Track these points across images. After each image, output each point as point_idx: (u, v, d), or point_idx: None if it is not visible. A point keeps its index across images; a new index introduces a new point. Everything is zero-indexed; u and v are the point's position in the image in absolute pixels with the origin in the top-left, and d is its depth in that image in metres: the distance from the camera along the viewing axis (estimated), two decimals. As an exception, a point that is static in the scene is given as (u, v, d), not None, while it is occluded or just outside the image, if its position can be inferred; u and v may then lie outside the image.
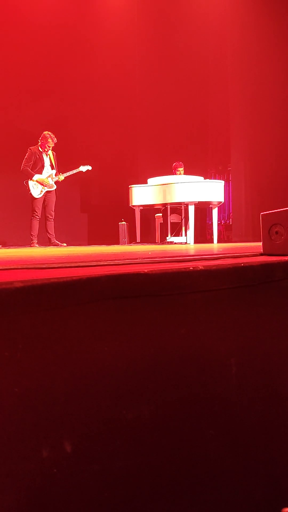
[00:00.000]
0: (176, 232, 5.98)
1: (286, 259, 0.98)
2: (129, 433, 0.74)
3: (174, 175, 6.24)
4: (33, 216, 6.24)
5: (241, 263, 0.90)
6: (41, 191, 6.22)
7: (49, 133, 6.20)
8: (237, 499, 0.84)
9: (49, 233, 6.30)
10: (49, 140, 6.16)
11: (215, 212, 5.81)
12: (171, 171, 6.77)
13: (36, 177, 6.19)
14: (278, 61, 6.86)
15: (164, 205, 5.87)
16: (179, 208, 6.09)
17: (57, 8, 7.46)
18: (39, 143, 6.23)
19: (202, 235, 7.77)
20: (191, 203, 5.41)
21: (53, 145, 6.21)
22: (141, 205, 5.94)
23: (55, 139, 6.18)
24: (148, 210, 6.44)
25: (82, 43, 7.48)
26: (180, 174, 6.72)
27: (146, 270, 0.76)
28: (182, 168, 6.84)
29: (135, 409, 0.74)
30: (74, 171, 6.33)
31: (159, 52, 8.01)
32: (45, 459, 0.65)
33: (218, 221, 6.08)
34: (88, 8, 7.45)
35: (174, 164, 6.93)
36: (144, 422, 0.75)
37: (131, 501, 0.73)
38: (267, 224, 1.13)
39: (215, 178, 8.39)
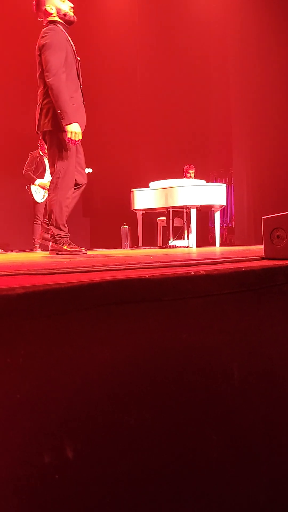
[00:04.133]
0: (178, 235, 5.98)
1: (288, 263, 0.98)
2: (131, 438, 0.74)
3: (177, 179, 6.25)
4: (35, 221, 6.27)
5: (243, 267, 0.90)
6: (44, 195, 6.24)
7: None
8: (240, 504, 0.84)
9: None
10: None
11: (217, 216, 5.81)
12: (174, 175, 6.77)
13: (38, 181, 6.21)
14: (280, 65, 6.88)
15: (166, 208, 5.88)
16: (181, 212, 6.10)
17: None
18: (39, 147, 6.25)
19: (204, 238, 7.77)
20: (193, 206, 5.41)
21: None
22: (143, 209, 5.95)
23: None
24: (150, 214, 6.45)
25: (83, 47, 7.51)
26: (191, 176, 6.72)
27: (147, 275, 0.77)
28: (193, 171, 6.84)
29: (137, 414, 0.74)
30: None
31: (160, 56, 8.04)
32: (47, 464, 0.65)
33: (220, 224, 6.08)
34: (88, 16, 7.47)
35: (186, 167, 6.93)
36: (146, 427, 0.75)
37: (133, 507, 0.72)
38: (269, 228, 1.13)
39: (217, 182, 8.40)
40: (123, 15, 7.74)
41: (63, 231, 3.08)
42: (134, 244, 6.57)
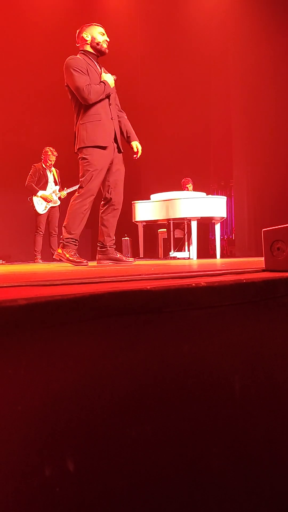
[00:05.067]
0: (179, 247, 5.99)
1: (289, 275, 0.99)
2: (132, 451, 0.73)
3: (178, 191, 6.28)
4: (37, 232, 6.29)
5: (244, 279, 0.90)
6: (46, 207, 6.27)
7: (50, 148, 6.30)
8: (241, 519, 0.84)
9: (52, 248, 6.33)
10: (49, 153, 6.25)
11: (217, 227, 5.82)
12: (174, 187, 6.81)
13: (40, 193, 6.24)
14: (282, 78, 6.93)
15: (167, 220, 5.90)
16: (182, 224, 6.11)
17: (60, 21, 7.56)
18: (42, 159, 6.30)
19: (205, 250, 7.78)
20: (193, 218, 5.43)
21: (54, 159, 6.29)
22: (144, 221, 5.97)
23: (55, 153, 6.27)
24: (151, 226, 6.46)
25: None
26: (188, 190, 6.79)
27: (149, 287, 0.77)
28: (191, 184, 6.90)
29: (139, 426, 0.74)
30: (77, 187, 6.38)
31: (161, 70, 8.11)
32: (48, 477, 0.65)
33: (221, 236, 6.09)
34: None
35: (183, 180, 6.99)
36: (147, 439, 0.75)
37: (134, 521, 0.72)
38: (269, 240, 1.13)
39: (217, 194, 8.44)
40: (123, 28, 7.83)
41: (71, 234, 3.29)
42: (135, 255, 6.57)
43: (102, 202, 3.53)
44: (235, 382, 0.86)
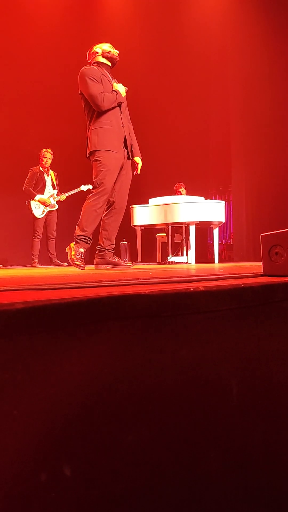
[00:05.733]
0: (178, 251, 5.99)
1: (286, 280, 0.99)
2: (129, 456, 0.73)
3: (176, 196, 6.29)
4: (35, 236, 6.28)
5: (242, 284, 0.90)
6: (43, 211, 6.27)
7: (46, 149, 6.31)
8: (239, 525, 0.83)
9: (50, 252, 6.32)
10: (46, 154, 6.26)
11: (216, 232, 5.83)
12: (173, 192, 6.81)
13: (38, 197, 6.24)
14: (280, 83, 6.96)
15: (166, 225, 5.90)
16: (180, 228, 6.12)
17: (57, 26, 7.58)
18: (40, 163, 6.31)
19: (203, 254, 7.79)
20: (192, 223, 5.44)
21: (51, 157, 6.29)
22: (142, 225, 5.98)
23: (51, 152, 6.28)
24: (150, 230, 6.47)
25: (82, 60, 7.60)
26: (181, 194, 6.81)
27: (147, 291, 0.77)
28: (183, 189, 6.92)
29: (135, 431, 0.74)
30: (75, 191, 6.39)
31: (160, 75, 8.14)
32: (44, 483, 0.64)
33: (219, 241, 6.10)
34: (87, 28, 7.59)
35: (176, 185, 7.01)
36: (144, 444, 0.75)
37: (131, 527, 0.71)
38: (267, 245, 1.13)
39: (216, 199, 8.45)
40: (122, 32, 7.86)
41: (84, 232, 3.42)
42: (133, 260, 6.57)
43: (105, 206, 3.57)
44: (233, 387, 0.86)
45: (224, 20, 7.50)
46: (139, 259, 6.11)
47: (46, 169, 6.29)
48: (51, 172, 6.37)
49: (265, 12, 6.95)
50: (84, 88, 3.41)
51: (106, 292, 0.77)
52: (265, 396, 0.91)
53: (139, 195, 7.46)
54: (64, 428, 0.67)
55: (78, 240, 3.43)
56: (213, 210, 5.49)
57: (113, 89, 3.47)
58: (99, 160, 3.41)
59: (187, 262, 5.65)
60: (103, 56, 3.56)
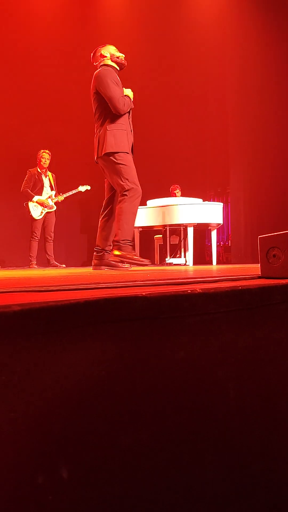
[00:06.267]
0: (175, 253, 5.99)
1: (284, 282, 0.99)
2: (126, 458, 0.73)
3: (173, 197, 6.29)
4: (32, 237, 6.27)
5: (239, 286, 0.90)
6: (41, 212, 6.26)
7: (43, 150, 6.32)
8: (236, 528, 0.83)
9: (48, 254, 6.32)
10: (44, 155, 6.26)
11: (214, 234, 5.84)
12: (170, 194, 6.81)
13: (36, 198, 6.24)
14: (278, 85, 6.98)
15: (163, 226, 5.91)
16: (178, 230, 6.12)
17: (55, 28, 7.58)
18: (38, 164, 6.31)
19: (201, 256, 7.79)
20: (190, 224, 5.44)
21: (49, 158, 6.29)
22: (140, 227, 5.98)
23: (49, 153, 6.28)
24: (148, 232, 6.47)
25: (80, 62, 7.59)
26: (177, 196, 6.82)
27: (144, 293, 0.77)
28: (178, 191, 6.93)
29: (133, 434, 0.74)
30: (73, 192, 6.39)
31: (158, 76, 8.15)
32: (41, 485, 0.64)
33: (217, 242, 6.10)
34: (85, 30, 7.58)
35: (171, 187, 7.02)
36: (142, 447, 0.74)
37: (128, 530, 0.71)
38: (265, 247, 1.13)
39: (214, 200, 8.46)
40: (119, 34, 7.87)
41: (127, 238, 3.37)
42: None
43: (104, 207, 3.58)
44: (230, 389, 0.86)
45: (222, 20, 7.52)
46: (137, 261, 6.10)
47: (44, 170, 6.29)
48: (49, 173, 6.36)
49: (262, 14, 6.97)
50: (104, 90, 3.41)
51: (103, 294, 0.77)
52: (263, 399, 0.91)
53: (137, 197, 7.47)
54: (61, 430, 0.67)
55: (123, 245, 3.35)
56: (211, 212, 5.50)
57: (124, 94, 3.48)
58: (124, 163, 3.41)
59: (185, 264, 5.65)
60: (112, 60, 3.59)
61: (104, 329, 0.72)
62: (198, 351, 0.83)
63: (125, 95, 3.46)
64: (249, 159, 7.34)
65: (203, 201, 5.94)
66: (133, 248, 3.43)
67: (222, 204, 5.86)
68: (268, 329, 0.94)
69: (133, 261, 3.31)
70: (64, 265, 6.15)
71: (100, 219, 3.64)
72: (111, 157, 3.42)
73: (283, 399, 0.95)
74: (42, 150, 6.27)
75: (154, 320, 0.78)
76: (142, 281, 1.20)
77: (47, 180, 6.33)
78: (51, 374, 0.67)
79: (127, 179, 3.39)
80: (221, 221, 5.64)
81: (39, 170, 6.28)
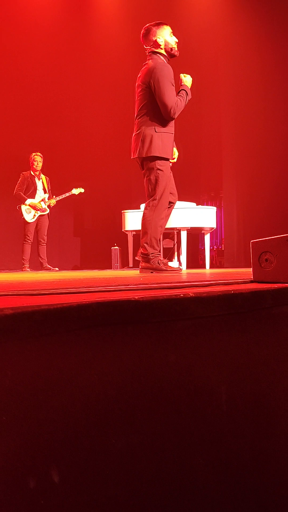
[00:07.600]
0: (169, 257, 6.00)
1: (276, 286, 0.99)
2: (118, 462, 0.73)
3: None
4: (25, 240, 6.25)
5: (232, 290, 0.91)
6: (34, 215, 6.25)
7: (35, 153, 6.31)
8: (227, 532, 0.83)
9: (41, 257, 6.29)
10: (36, 157, 6.25)
11: (207, 238, 5.85)
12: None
13: (29, 201, 6.22)
14: (273, 88, 7.01)
15: (157, 230, 5.90)
16: (171, 234, 6.13)
17: (51, 31, 7.58)
18: (31, 167, 6.30)
19: (195, 260, 7.80)
20: (183, 228, 5.45)
21: (41, 161, 6.28)
22: (134, 230, 5.98)
23: (41, 156, 6.27)
24: (141, 235, 6.46)
25: (74, 65, 7.58)
26: None
27: (137, 297, 0.77)
28: None
29: (124, 437, 0.74)
30: (67, 194, 6.37)
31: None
32: (32, 489, 0.64)
33: (210, 246, 6.12)
34: (81, 35, 7.59)
35: None
36: (133, 450, 0.74)
37: (119, 534, 0.71)
38: (257, 252, 1.14)
39: (207, 205, 8.48)
40: (116, 34, 7.89)
41: (156, 249, 3.26)
42: (125, 265, 6.57)
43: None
44: (222, 393, 0.86)
45: (216, 25, 7.56)
46: (130, 264, 6.11)
47: (37, 173, 6.28)
48: (42, 176, 6.35)
49: (259, 17, 7.02)
50: (160, 92, 3.21)
51: (96, 298, 0.77)
52: (254, 403, 0.91)
53: (131, 200, 7.48)
54: (53, 434, 0.67)
55: (152, 258, 3.20)
56: (204, 216, 5.52)
57: (182, 87, 3.27)
58: (162, 170, 3.26)
59: (178, 268, 5.66)
60: (165, 51, 3.33)
61: (96, 332, 0.72)
62: (190, 354, 0.83)
63: (182, 89, 3.28)
64: (243, 164, 7.38)
65: (197, 205, 5.96)
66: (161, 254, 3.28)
67: (215, 208, 5.88)
68: (260, 333, 0.94)
69: (164, 271, 3.17)
70: (57, 269, 6.13)
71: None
72: (154, 162, 3.26)
73: (274, 402, 0.95)
74: (34, 153, 6.26)
75: (146, 324, 0.78)
76: (134, 285, 1.20)
77: (40, 183, 6.32)
78: (43, 378, 0.67)
79: (160, 188, 3.24)
80: (214, 225, 5.66)
81: (32, 173, 6.27)
